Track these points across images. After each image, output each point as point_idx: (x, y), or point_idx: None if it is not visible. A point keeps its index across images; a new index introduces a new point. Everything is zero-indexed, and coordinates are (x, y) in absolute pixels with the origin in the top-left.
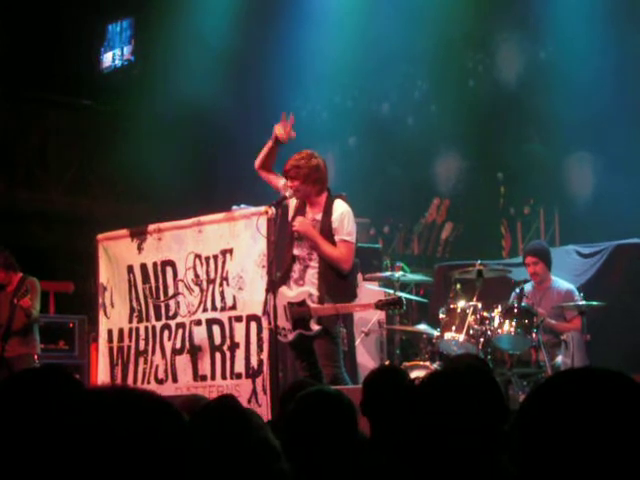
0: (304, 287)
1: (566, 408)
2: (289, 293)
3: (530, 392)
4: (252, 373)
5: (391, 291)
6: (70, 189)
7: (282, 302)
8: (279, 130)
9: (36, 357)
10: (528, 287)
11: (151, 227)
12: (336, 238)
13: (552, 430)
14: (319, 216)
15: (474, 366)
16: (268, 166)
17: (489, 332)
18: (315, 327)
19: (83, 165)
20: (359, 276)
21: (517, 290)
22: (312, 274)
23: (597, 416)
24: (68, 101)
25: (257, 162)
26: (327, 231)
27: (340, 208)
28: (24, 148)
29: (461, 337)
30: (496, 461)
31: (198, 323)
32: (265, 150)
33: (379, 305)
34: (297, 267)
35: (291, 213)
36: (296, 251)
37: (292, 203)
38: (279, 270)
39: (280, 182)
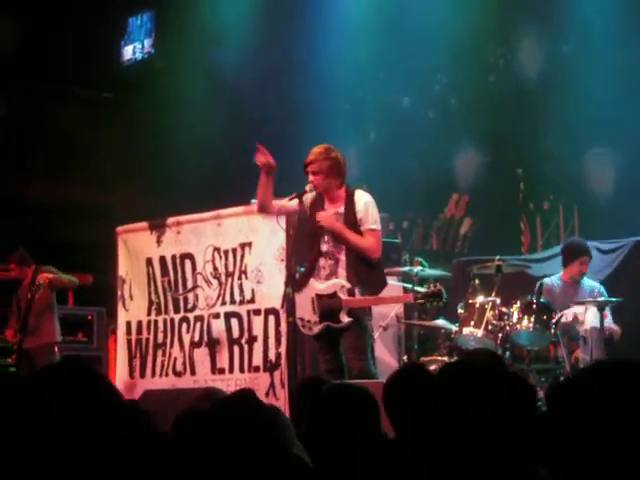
0: (336, 279)
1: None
2: (319, 286)
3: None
4: (270, 366)
5: (409, 285)
6: (90, 181)
7: (310, 295)
8: (261, 159)
9: (56, 348)
10: (551, 282)
11: (170, 220)
12: (363, 228)
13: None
14: (341, 209)
15: (492, 364)
16: (269, 200)
17: (508, 327)
18: (345, 319)
19: (103, 158)
20: None
21: (537, 285)
22: (343, 266)
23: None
24: (88, 94)
25: (258, 202)
26: (352, 222)
27: (363, 198)
28: (44, 141)
29: (479, 332)
30: (521, 463)
31: (216, 316)
32: (262, 185)
33: (419, 297)
34: (327, 262)
35: (307, 208)
36: (324, 247)
37: (308, 198)
38: (299, 264)
39: (289, 203)
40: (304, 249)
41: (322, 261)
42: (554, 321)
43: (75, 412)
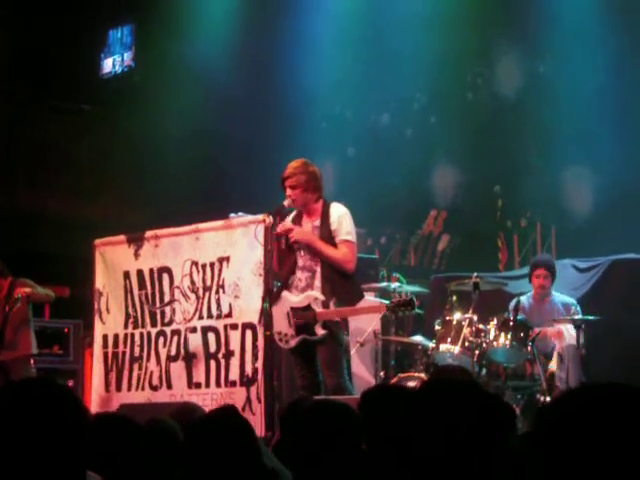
0: (310, 292)
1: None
2: (293, 299)
3: (547, 411)
4: (246, 381)
5: (386, 302)
6: (69, 193)
7: (285, 308)
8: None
9: (32, 361)
10: (525, 300)
11: (148, 233)
12: (337, 240)
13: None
14: (317, 222)
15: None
16: None
17: (484, 344)
18: (320, 332)
19: (83, 169)
20: None
21: (513, 302)
22: (319, 279)
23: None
24: (68, 106)
25: None
26: (327, 235)
27: (337, 211)
28: (24, 152)
29: (456, 349)
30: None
31: (193, 330)
32: None
33: (391, 307)
34: (304, 275)
35: (289, 224)
36: (300, 261)
37: (290, 216)
38: (276, 279)
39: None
40: (282, 263)
41: (299, 274)
42: (531, 338)
43: (39, 427)
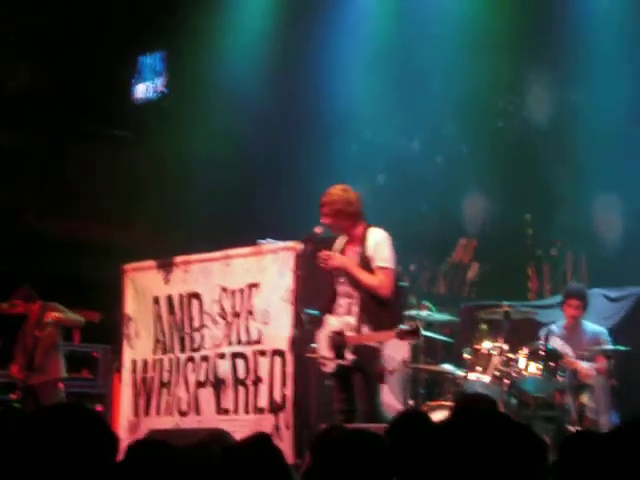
0: (346, 317)
1: None
2: (334, 323)
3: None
4: (275, 408)
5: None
6: (100, 218)
7: (327, 332)
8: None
9: (61, 385)
10: (555, 329)
11: (178, 259)
12: (373, 266)
13: None
14: (358, 248)
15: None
16: None
17: (514, 374)
18: (350, 357)
19: (114, 195)
20: None
21: (544, 331)
22: (358, 305)
23: None
24: (101, 132)
25: None
26: (366, 261)
27: (375, 237)
28: (57, 178)
29: (486, 378)
30: None
31: (222, 356)
32: None
33: (399, 334)
34: (345, 301)
35: (337, 249)
36: (340, 288)
37: (342, 240)
38: (307, 306)
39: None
40: (314, 290)
41: (340, 300)
42: (561, 368)
43: (71, 451)
